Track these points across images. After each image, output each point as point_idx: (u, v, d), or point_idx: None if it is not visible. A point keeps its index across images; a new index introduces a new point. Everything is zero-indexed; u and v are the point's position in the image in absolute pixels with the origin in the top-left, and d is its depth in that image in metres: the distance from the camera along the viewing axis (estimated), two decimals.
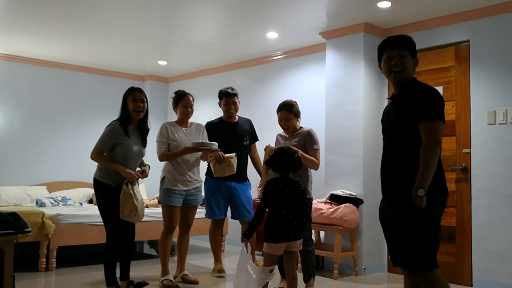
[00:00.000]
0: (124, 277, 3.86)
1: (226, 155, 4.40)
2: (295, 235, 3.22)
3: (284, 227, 3.18)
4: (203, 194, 4.67)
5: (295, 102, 4.08)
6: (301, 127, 4.09)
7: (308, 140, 3.96)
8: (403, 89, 2.56)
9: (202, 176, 4.62)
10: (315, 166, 3.99)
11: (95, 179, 3.78)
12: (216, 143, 4.25)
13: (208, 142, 4.21)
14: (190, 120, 4.43)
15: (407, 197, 2.39)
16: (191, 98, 4.36)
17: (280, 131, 4.20)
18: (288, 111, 3.99)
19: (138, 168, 3.88)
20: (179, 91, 4.46)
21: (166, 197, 4.18)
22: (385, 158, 2.61)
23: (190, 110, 4.32)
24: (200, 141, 4.19)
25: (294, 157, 3.35)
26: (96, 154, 3.70)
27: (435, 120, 2.39)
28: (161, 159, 4.20)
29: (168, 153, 4.16)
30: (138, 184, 3.76)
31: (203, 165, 4.64)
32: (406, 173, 2.44)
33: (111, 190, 3.67)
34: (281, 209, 3.19)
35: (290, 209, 3.20)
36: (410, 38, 2.61)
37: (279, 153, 3.37)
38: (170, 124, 4.32)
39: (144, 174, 3.81)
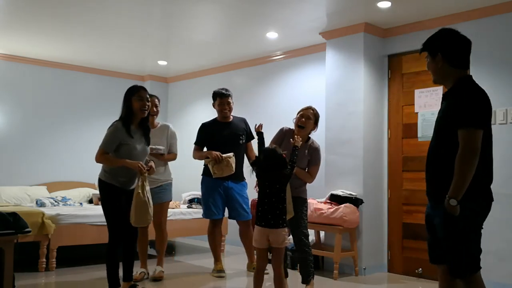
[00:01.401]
0: (127, 278, 3.85)
1: (224, 155, 4.41)
2: (275, 223, 3.32)
3: (267, 215, 3.33)
4: (200, 193, 4.68)
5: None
6: (309, 138, 4.07)
7: (314, 156, 4.01)
8: (453, 86, 2.46)
9: (196, 175, 4.66)
10: (309, 181, 4.03)
11: (100, 180, 3.74)
12: (163, 147, 4.42)
13: (154, 147, 4.23)
14: (163, 122, 4.60)
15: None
16: (156, 100, 4.46)
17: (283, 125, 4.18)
18: (314, 113, 4.02)
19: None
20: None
21: None
22: (429, 159, 2.51)
23: (155, 110, 4.42)
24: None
25: (278, 158, 3.41)
26: (101, 155, 3.63)
27: (472, 128, 2.29)
28: None
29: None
30: (147, 184, 3.71)
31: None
32: (448, 178, 2.35)
33: (116, 191, 3.67)
34: (262, 197, 3.38)
35: (272, 198, 3.36)
36: (430, 37, 2.53)
37: (264, 154, 3.46)
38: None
39: (151, 170, 3.79)
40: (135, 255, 3.93)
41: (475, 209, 2.36)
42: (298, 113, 4.03)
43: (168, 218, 5.53)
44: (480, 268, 2.40)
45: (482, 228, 2.46)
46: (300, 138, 3.74)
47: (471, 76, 2.51)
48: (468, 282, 2.38)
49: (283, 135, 4.07)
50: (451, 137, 2.35)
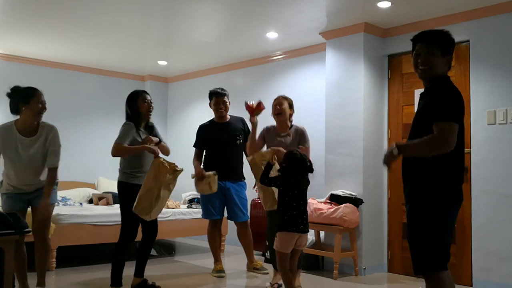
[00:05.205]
0: (139, 274, 3.95)
1: (207, 173, 4.50)
2: (305, 227, 3.44)
3: (297, 219, 3.40)
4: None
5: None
6: (292, 125, 4.20)
7: (302, 138, 4.11)
8: (430, 86, 2.48)
9: None
10: None
11: (120, 182, 3.87)
12: None
13: None
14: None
15: (415, 199, 2.39)
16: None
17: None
18: (284, 98, 4.20)
19: None
20: (28, 87, 3.69)
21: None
22: (404, 158, 2.53)
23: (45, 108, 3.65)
24: None
25: (308, 160, 3.50)
26: (117, 147, 3.72)
27: (450, 121, 2.28)
28: None
29: None
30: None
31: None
32: (420, 174, 2.40)
33: (136, 190, 3.74)
34: (290, 201, 3.41)
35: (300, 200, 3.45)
36: (444, 34, 2.50)
37: (298, 157, 3.46)
38: (6, 129, 3.62)
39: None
40: (150, 253, 4.05)
41: (436, 206, 2.35)
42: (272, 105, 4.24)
43: (168, 218, 5.58)
44: (445, 269, 2.38)
45: (453, 229, 2.45)
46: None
47: (449, 76, 2.53)
48: (430, 280, 2.38)
49: (264, 134, 4.26)
50: (426, 133, 2.34)
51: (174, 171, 3.74)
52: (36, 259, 3.62)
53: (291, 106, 4.21)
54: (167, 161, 3.74)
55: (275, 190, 3.74)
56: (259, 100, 4.17)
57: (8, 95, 3.62)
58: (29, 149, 3.54)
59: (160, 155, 3.88)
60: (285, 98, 4.22)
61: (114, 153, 3.75)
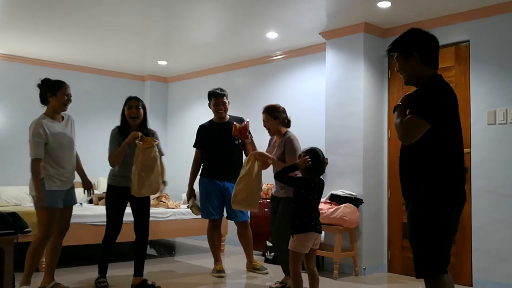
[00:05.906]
0: (138, 274, 4.06)
1: (191, 199, 4.77)
2: (321, 227, 3.42)
3: (314, 220, 3.35)
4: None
5: (278, 106, 4.15)
6: (286, 132, 4.12)
7: (287, 147, 4.02)
8: (422, 86, 2.44)
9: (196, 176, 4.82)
10: None
11: (108, 185, 4.09)
12: None
13: None
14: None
15: (414, 199, 2.37)
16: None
17: None
18: (265, 113, 4.12)
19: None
20: (56, 80, 3.85)
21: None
22: (400, 158, 2.53)
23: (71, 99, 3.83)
24: None
25: (324, 162, 3.43)
26: (108, 159, 3.97)
27: (415, 116, 2.28)
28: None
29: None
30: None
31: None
32: (415, 174, 2.38)
33: (123, 192, 3.95)
34: (309, 204, 3.35)
35: (316, 204, 3.42)
36: (399, 37, 2.50)
37: (321, 156, 3.37)
38: (44, 120, 3.77)
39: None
40: (146, 251, 4.17)
41: (438, 206, 2.32)
42: None
43: (168, 218, 5.59)
44: (445, 272, 2.35)
45: (455, 231, 2.41)
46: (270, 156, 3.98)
47: (441, 75, 2.47)
48: (430, 283, 2.35)
49: (270, 142, 4.31)
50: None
51: (146, 149, 3.83)
52: (54, 258, 3.99)
53: (274, 116, 4.08)
54: (144, 139, 3.85)
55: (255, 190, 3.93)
56: (244, 123, 4.35)
57: (39, 86, 3.86)
58: (65, 131, 3.82)
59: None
60: (265, 112, 4.12)
61: (111, 164, 3.99)
